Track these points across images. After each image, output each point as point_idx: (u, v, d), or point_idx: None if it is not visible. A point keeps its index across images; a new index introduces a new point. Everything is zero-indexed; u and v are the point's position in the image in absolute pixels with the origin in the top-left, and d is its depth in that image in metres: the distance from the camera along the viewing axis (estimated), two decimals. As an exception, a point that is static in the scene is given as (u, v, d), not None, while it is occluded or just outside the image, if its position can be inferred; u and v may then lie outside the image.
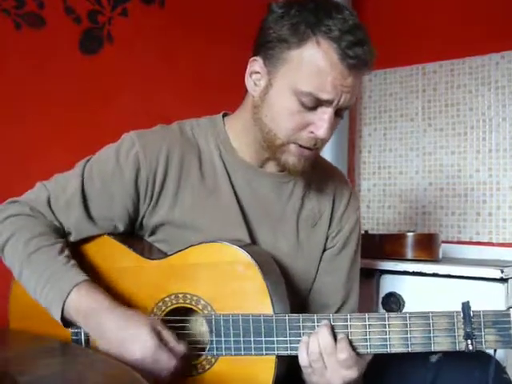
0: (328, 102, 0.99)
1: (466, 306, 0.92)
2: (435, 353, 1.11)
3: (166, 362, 0.93)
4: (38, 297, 1.01)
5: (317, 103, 0.99)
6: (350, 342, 0.95)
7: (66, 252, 1.03)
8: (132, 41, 1.86)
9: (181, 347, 0.96)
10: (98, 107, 1.76)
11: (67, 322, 0.99)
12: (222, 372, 1.01)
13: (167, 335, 0.96)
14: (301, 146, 1.03)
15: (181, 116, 1.20)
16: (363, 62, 0.99)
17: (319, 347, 0.94)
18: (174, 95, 1.93)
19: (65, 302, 0.97)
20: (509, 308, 0.91)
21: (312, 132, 1.01)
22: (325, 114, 1.00)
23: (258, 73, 1.05)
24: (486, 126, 2.13)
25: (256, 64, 1.05)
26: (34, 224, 1.05)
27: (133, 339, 0.93)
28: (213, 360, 1.02)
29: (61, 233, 1.08)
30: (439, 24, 2.23)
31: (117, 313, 0.96)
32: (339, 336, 0.95)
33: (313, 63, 0.97)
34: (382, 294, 1.72)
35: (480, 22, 2.14)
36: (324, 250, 1.17)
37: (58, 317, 0.98)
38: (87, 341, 1.06)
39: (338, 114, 1.03)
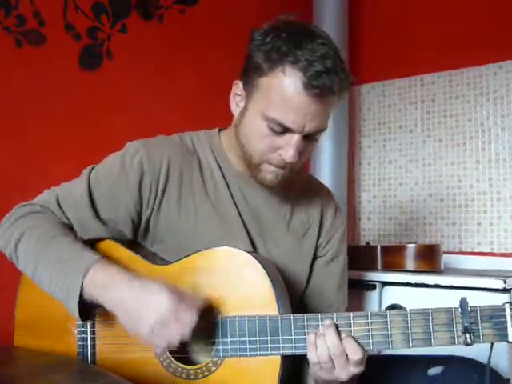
0: (293, 129, 1.03)
1: (463, 302, 0.96)
2: (434, 365, 1.14)
3: (188, 316, 0.94)
4: (54, 284, 1.01)
5: (284, 129, 1.03)
6: (355, 338, 0.97)
7: (79, 240, 1.06)
8: (131, 57, 1.87)
9: (197, 301, 0.97)
10: (98, 123, 1.77)
11: (83, 313, 0.99)
12: (227, 374, 1.02)
13: (182, 293, 0.97)
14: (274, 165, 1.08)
15: (180, 130, 1.22)
16: (329, 90, 1.00)
17: (328, 350, 0.96)
18: (173, 110, 1.94)
19: (83, 280, 0.98)
20: (504, 303, 0.95)
21: (280, 155, 1.06)
22: (291, 140, 1.04)
23: (239, 95, 1.11)
24: (485, 136, 2.14)
25: (238, 87, 1.11)
26: (46, 220, 1.08)
27: (148, 304, 0.95)
28: (219, 362, 1.03)
29: (71, 228, 1.11)
30: (437, 35, 2.25)
31: (131, 283, 0.98)
32: (343, 334, 0.97)
33: (278, 91, 1.01)
34: (385, 305, 1.72)
35: (477, 33, 2.16)
36: (315, 258, 1.22)
37: (75, 299, 0.97)
38: (93, 354, 1.07)
39: (310, 138, 1.06)
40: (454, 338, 0.95)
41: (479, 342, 0.95)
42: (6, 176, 1.58)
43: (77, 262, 1.00)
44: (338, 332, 0.97)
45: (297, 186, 1.22)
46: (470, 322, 0.95)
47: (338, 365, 0.96)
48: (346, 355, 0.96)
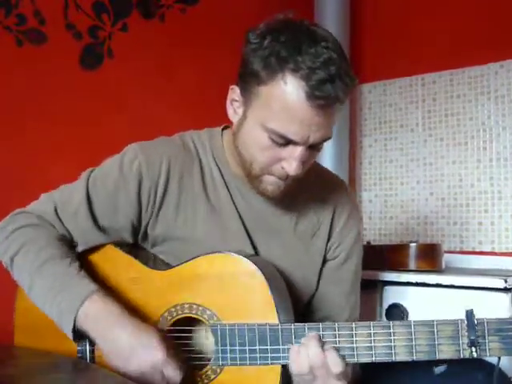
0: (296, 141, 0.97)
1: (469, 314, 0.92)
2: (438, 364, 1.12)
3: (174, 374, 0.94)
4: (48, 307, 1.00)
5: (286, 141, 0.97)
6: (337, 351, 0.94)
7: (77, 263, 1.04)
8: (132, 56, 1.87)
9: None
10: (98, 123, 1.77)
11: (76, 335, 0.99)
12: (226, 382, 1.01)
13: (171, 345, 0.97)
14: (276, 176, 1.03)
15: (181, 130, 1.21)
16: (333, 99, 0.94)
17: (308, 360, 0.93)
18: (174, 109, 1.94)
19: (78, 310, 0.97)
20: None
21: (283, 167, 1.00)
22: (295, 152, 0.98)
23: (236, 101, 1.05)
24: (487, 136, 2.14)
25: (234, 93, 1.05)
26: (44, 234, 1.06)
27: (144, 347, 0.94)
28: (218, 370, 1.01)
29: (70, 243, 1.09)
30: (438, 34, 2.24)
31: (127, 322, 0.97)
32: (326, 346, 0.94)
33: (280, 102, 0.95)
34: (386, 305, 1.71)
35: (478, 32, 2.15)
36: (325, 261, 1.17)
37: (69, 327, 0.97)
38: (93, 358, 1.06)
39: (314, 147, 1.01)
40: (459, 351, 0.92)
41: (485, 355, 0.92)
42: (6, 176, 1.58)
43: (72, 291, 0.98)
44: (322, 343, 0.94)
45: (306, 185, 1.14)
46: (476, 335, 0.91)
47: (319, 377, 0.94)
48: (328, 367, 0.93)
